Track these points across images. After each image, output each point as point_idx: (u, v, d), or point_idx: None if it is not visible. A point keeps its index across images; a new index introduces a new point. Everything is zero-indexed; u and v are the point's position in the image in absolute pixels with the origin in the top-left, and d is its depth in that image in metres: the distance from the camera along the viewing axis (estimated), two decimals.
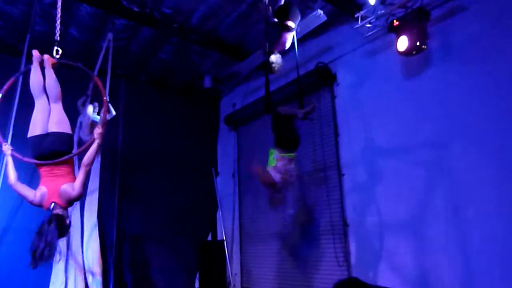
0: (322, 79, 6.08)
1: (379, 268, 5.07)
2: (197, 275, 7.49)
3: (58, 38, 3.83)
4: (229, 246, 7.69)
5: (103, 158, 6.35)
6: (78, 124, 5.60)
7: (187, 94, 8.31)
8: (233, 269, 7.51)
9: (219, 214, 8.02)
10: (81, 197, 3.53)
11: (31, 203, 3.38)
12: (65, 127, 3.51)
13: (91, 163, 3.48)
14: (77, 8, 5.58)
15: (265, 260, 6.92)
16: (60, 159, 3.37)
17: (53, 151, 3.38)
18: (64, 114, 3.57)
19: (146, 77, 7.69)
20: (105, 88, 5.34)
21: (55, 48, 3.77)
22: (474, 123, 4.37)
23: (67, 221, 3.38)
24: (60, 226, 3.24)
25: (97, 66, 5.51)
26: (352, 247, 5.47)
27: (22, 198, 3.42)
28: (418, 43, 4.60)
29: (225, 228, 7.85)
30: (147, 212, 7.11)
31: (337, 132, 5.93)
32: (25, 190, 3.39)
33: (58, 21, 3.89)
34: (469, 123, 4.41)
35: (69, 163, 3.52)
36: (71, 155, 3.49)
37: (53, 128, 3.45)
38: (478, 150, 4.29)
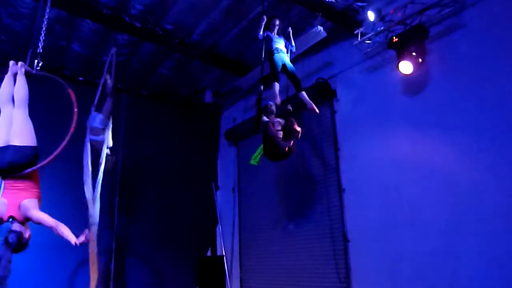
0: (322, 94, 6.11)
1: (380, 285, 5.01)
2: None
3: (41, 50, 3.83)
4: (228, 261, 7.62)
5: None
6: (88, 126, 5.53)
7: (188, 109, 8.35)
8: (233, 285, 7.41)
9: (218, 229, 7.97)
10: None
11: None
12: (28, 139, 3.33)
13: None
14: (80, 24, 5.65)
15: (265, 276, 6.84)
16: (22, 173, 3.22)
17: (13, 164, 3.20)
18: (28, 123, 3.41)
19: (147, 92, 7.74)
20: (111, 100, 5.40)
21: (36, 60, 3.74)
22: (473, 138, 4.38)
23: (26, 236, 3.24)
24: (17, 244, 3.13)
25: (102, 80, 5.53)
26: (353, 263, 5.42)
27: None
28: (417, 60, 4.65)
29: (224, 243, 7.79)
30: (146, 226, 7.07)
31: (337, 147, 5.94)
32: None
33: (43, 34, 3.90)
34: (468, 138, 4.43)
35: (32, 177, 3.37)
36: (33, 168, 3.29)
37: (14, 140, 3.26)
38: (478, 165, 4.29)
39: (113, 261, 6.39)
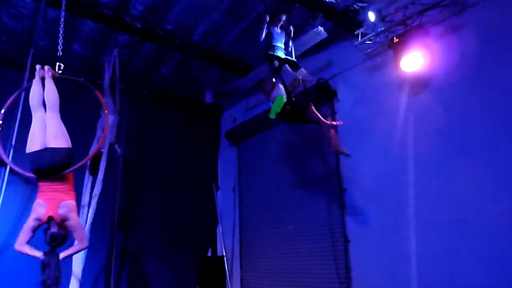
0: (323, 94, 6.12)
1: (381, 285, 5.01)
2: None
3: (61, 54, 3.85)
4: (229, 262, 7.62)
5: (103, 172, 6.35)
6: (98, 127, 5.55)
7: (188, 109, 8.35)
8: (233, 285, 7.42)
9: (219, 229, 7.97)
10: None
11: (37, 226, 3.31)
12: (63, 141, 3.43)
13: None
14: (81, 24, 5.66)
15: (265, 276, 6.84)
16: (60, 174, 3.33)
17: (52, 165, 3.32)
18: (62, 126, 3.50)
19: (148, 92, 7.74)
20: (115, 101, 5.41)
21: (58, 63, 3.78)
22: (474, 138, 4.38)
23: (65, 235, 3.34)
24: (59, 244, 3.26)
25: (105, 81, 5.54)
26: (354, 263, 5.42)
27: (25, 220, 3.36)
28: (417, 60, 4.65)
29: (225, 244, 7.79)
30: (147, 226, 7.07)
31: None
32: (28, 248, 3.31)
33: (61, 37, 3.92)
34: (469, 139, 4.43)
35: (68, 179, 3.47)
36: (71, 169, 3.42)
37: (51, 143, 3.36)
38: (480, 165, 4.29)
39: (113, 261, 6.39)
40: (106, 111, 3.78)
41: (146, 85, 7.53)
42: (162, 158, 7.54)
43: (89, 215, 5.02)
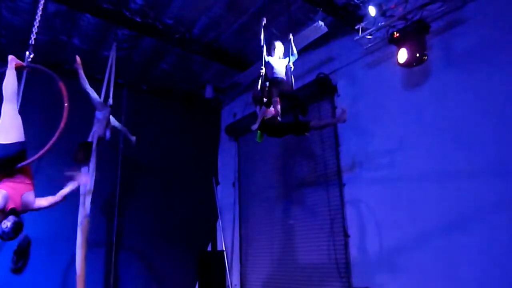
0: (323, 89, 6.11)
1: (380, 279, 5.03)
2: (197, 286, 7.44)
3: (33, 42, 3.79)
4: (229, 256, 7.65)
5: (103, 165, 6.31)
6: (95, 120, 5.51)
7: (188, 104, 8.35)
8: (233, 280, 7.45)
9: (219, 224, 7.99)
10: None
11: None
12: (15, 135, 3.28)
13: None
14: (80, 18, 5.63)
15: (265, 271, 6.88)
16: (14, 167, 3.25)
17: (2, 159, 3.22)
18: (16, 118, 3.37)
19: (148, 87, 7.73)
20: (108, 96, 5.38)
21: (27, 52, 3.68)
22: (474, 134, 4.38)
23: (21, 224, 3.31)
24: (13, 232, 3.19)
25: (106, 75, 5.51)
26: (353, 258, 5.44)
27: None
28: (418, 55, 4.65)
29: (225, 238, 7.82)
30: (146, 221, 7.09)
31: (337, 142, 5.95)
32: None
33: (36, 25, 3.85)
34: (469, 134, 4.43)
35: (24, 171, 3.40)
36: (21, 164, 3.30)
37: (0, 138, 3.22)
38: (479, 161, 4.30)
39: (113, 255, 6.42)
40: (66, 104, 3.50)
41: (146, 80, 7.52)
42: (162, 153, 7.55)
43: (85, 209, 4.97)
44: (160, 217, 7.25)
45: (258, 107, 4.79)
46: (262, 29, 4.67)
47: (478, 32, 4.50)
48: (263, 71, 4.68)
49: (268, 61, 4.74)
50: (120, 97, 7.06)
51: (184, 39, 6.19)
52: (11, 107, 3.38)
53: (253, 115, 7.29)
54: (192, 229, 7.58)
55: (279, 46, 4.90)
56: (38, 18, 3.90)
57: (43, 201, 3.53)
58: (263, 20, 4.71)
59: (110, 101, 5.31)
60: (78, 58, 4.70)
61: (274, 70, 4.73)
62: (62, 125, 3.40)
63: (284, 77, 4.78)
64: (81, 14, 5.53)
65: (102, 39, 6.12)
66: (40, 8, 3.93)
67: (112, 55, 5.59)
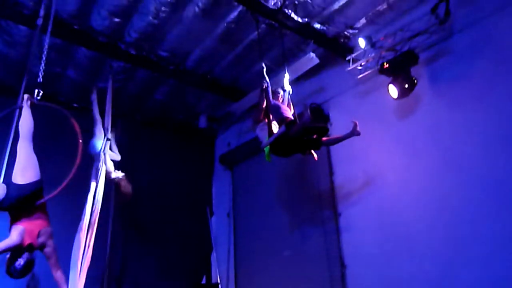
0: (316, 118, 6.16)
1: None
2: None
3: (41, 80, 3.86)
4: None
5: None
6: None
7: (182, 134, 8.36)
8: None
9: (213, 255, 7.83)
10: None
11: (13, 248, 3.25)
12: (31, 174, 3.39)
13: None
14: (76, 51, 5.72)
15: None
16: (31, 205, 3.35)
17: (18, 198, 3.29)
18: (33, 157, 3.47)
19: (142, 117, 7.75)
20: (104, 127, 5.40)
21: (36, 90, 3.76)
22: (465, 161, 4.43)
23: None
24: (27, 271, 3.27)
25: (106, 108, 5.55)
26: None
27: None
28: (407, 86, 4.74)
29: (219, 271, 7.64)
30: (139, 253, 6.93)
31: (331, 171, 5.95)
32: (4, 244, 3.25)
33: (43, 64, 3.93)
34: (460, 161, 4.47)
35: (41, 208, 3.49)
36: (44, 199, 3.44)
37: (17, 178, 3.32)
38: (472, 187, 4.33)
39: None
40: (80, 140, 3.69)
41: (140, 110, 7.55)
42: (156, 183, 7.47)
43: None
44: (153, 248, 7.09)
45: (258, 129, 4.84)
46: (265, 72, 4.83)
47: (464, 62, 4.63)
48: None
49: (275, 104, 4.79)
50: (114, 128, 7.07)
51: (178, 71, 6.28)
52: (27, 146, 3.48)
53: (248, 145, 7.33)
54: (186, 261, 7.42)
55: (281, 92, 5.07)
56: (44, 57, 3.97)
57: (55, 254, 3.53)
58: (264, 67, 4.87)
59: (108, 134, 5.32)
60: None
61: (282, 109, 4.75)
62: (78, 161, 3.49)
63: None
64: (77, 47, 5.62)
65: (97, 71, 6.18)
66: (46, 47, 4.02)
67: (109, 88, 5.64)
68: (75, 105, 6.83)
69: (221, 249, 7.79)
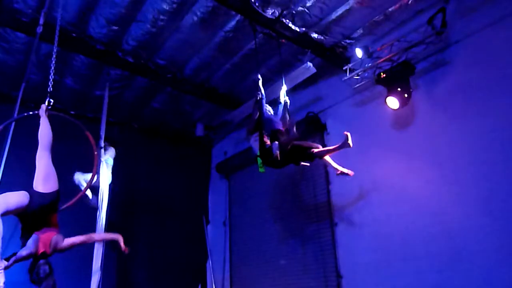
0: (313, 128, 6.19)
1: None
2: None
3: (51, 89, 3.86)
4: None
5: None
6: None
7: (179, 142, 8.35)
8: None
9: (209, 264, 7.77)
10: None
11: (27, 257, 3.31)
12: (51, 184, 3.43)
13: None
14: (73, 58, 5.71)
15: None
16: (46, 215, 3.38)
17: (39, 207, 3.33)
18: (51, 166, 3.49)
19: (139, 125, 7.74)
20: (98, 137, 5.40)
21: (48, 99, 3.76)
22: (461, 172, 4.43)
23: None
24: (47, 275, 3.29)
25: (103, 116, 5.55)
26: None
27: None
28: (405, 95, 4.76)
29: (215, 280, 7.58)
30: (134, 262, 6.87)
31: (328, 180, 5.94)
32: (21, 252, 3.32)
33: (52, 73, 3.93)
34: (456, 172, 4.47)
35: (53, 217, 3.53)
36: (61, 209, 3.53)
37: (38, 187, 3.36)
38: (467, 198, 4.33)
39: None
40: (96, 152, 3.80)
41: (137, 118, 7.54)
42: (152, 191, 7.45)
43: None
44: (148, 257, 7.04)
45: (251, 139, 4.83)
46: (260, 84, 4.82)
47: (461, 72, 4.66)
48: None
49: (267, 116, 4.82)
50: (111, 136, 7.05)
51: (176, 79, 6.28)
52: (47, 156, 3.48)
53: (244, 154, 7.32)
54: (181, 270, 7.35)
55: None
56: (53, 66, 4.03)
57: (72, 240, 3.60)
58: (259, 78, 4.86)
59: (101, 142, 5.32)
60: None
61: (273, 122, 4.81)
62: (94, 171, 3.57)
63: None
64: (75, 54, 5.62)
65: (94, 79, 6.18)
66: (54, 56, 4.08)
67: (105, 96, 5.65)
68: (71, 112, 6.81)
69: (217, 257, 7.74)
